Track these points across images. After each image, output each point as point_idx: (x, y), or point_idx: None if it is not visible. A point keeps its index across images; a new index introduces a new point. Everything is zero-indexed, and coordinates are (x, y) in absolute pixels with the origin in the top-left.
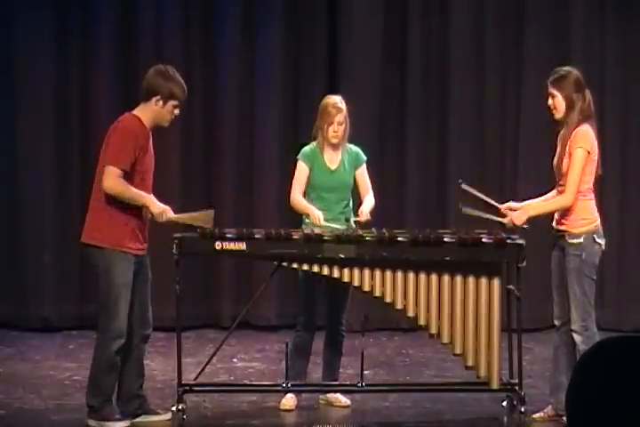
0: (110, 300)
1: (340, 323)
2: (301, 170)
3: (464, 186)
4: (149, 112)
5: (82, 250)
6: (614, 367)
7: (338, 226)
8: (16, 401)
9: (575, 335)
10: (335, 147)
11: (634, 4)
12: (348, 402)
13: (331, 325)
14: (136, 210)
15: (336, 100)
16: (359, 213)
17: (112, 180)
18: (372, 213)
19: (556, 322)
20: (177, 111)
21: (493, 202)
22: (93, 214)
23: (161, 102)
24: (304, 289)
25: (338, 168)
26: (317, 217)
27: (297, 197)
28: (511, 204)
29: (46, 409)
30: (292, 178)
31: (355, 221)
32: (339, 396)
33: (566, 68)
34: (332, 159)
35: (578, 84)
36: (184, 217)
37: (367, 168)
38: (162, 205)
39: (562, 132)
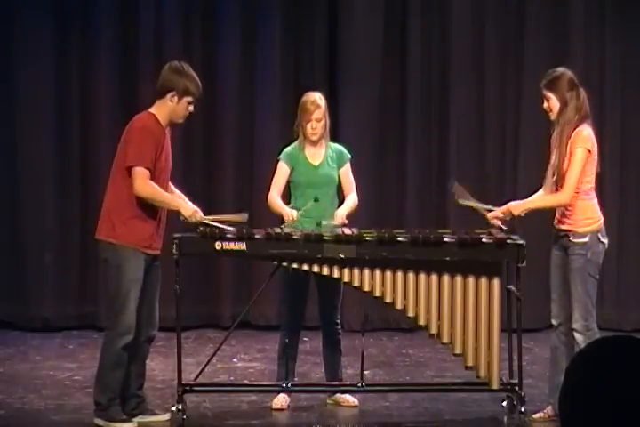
0: (120, 296)
1: (334, 323)
2: (280, 170)
3: (457, 186)
4: (165, 109)
5: (95, 246)
6: (608, 367)
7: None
8: (16, 401)
9: (577, 335)
10: (316, 143)
11: (633, 6)
12: (357, 402)
13: (326, 325)
14: (154, 210)
15: (315, 97)
16: (335, 215)
17: (142, 182)
18: (357, 213)
19: (554, 321)
20: (191, 108)
21: (488, 206)
22: (110, 212)
23: (176, 98)
24: (287, 289)
25: (321, 164)
26: (289, 214)
27: (272, 198)
28: (510, 204)
29: (46, 409)
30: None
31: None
32: (347, 396)
33: (559, 70)
34: (315, 155)
35: (571, 82)
36: (216, 218)
37: (366, 168)
38: (192, 206)
39: (556, 131)
